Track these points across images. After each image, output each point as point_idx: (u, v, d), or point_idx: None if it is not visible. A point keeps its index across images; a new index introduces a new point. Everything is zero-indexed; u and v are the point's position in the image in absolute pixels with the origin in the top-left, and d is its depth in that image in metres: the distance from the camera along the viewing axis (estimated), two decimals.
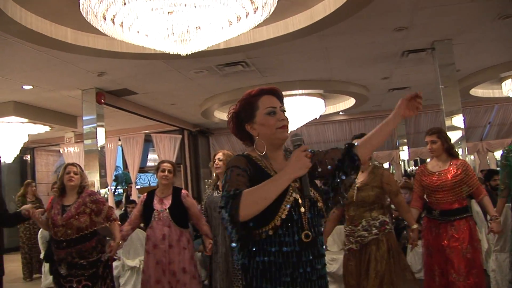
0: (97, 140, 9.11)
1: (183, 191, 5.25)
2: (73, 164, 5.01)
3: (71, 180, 4.85)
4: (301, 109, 10.24)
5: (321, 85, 9.80)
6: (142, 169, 15.50)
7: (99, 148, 9.16)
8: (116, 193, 18.59)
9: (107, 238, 5.21)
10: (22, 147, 11.02)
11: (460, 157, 5.10)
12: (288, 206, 2.19)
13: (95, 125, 9.07)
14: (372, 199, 4.54)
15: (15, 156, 11.04)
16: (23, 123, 10.24)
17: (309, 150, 2.32)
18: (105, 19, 4.44)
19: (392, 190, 4.61)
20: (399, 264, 4.52)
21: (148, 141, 14.08)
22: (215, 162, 5.18)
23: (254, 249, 2.25)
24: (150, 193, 5.37)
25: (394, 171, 16.23)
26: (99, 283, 4.84)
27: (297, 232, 2.21)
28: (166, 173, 5.19)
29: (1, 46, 6.16)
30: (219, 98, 10.19)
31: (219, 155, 5.19)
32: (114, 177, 16.75)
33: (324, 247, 2.39)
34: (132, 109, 10.39)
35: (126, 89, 9.21)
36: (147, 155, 15.67)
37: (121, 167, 20.63)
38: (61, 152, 14.45)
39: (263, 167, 2.32)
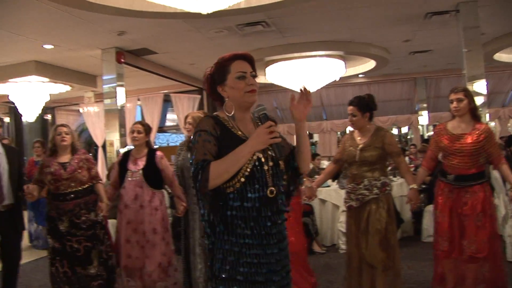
0: (117, 99, 9.19)
1: (158, 153, 5.31)
2: (63, 125, 5.22)
3: (64, 140, 5.08)
4: (321, 70, 10.20)
5: (341, 47, 9.71)
6: (161, 129, 15.60)
7: (119, 108, 9.24)
8: None
9: None
10: (43, 107, 11.17)
11: None
12: (251, 165, 2.37)
13: (115, 84, 9.14)
14: (374, 159, 4.59)
15: (37, 115, 11.19)
16: (44, 82, 10.35)
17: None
18: None
19: (393, 151, 4.63)
20: (392, 224, 4.62)
21: (167, 101, 14.12)
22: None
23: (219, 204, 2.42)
24: (126, 153, 5.48)
25: (412, 136, 16.17)
26: (98, 244, 5.13)
27: (258, 189, 2.38)
28: (135, 134, 5.24)
29: (23, 6, 6.20)
30: None
31: (189, 119, 5.18)
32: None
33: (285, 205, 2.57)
34: (152, 68, 10.40)
35: (146, 49, 9.22)
36: (166, 115, 15.73)
37: None
38: (80, 111, 14.58)
39: (229, 127, 2.47)
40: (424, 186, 7.28)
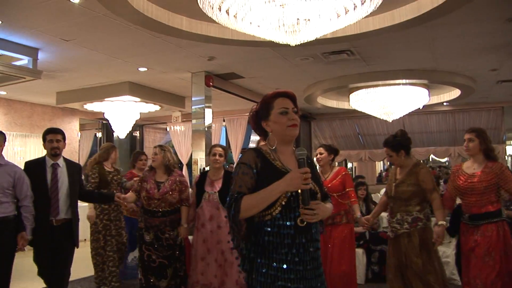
0: (204, 120, 9.52)
1: None
2: (155, 146, 5.66)
3: (153, 160, 5.54)
4: (405, 98, 10.16)
5: (425, 75, 9.65)
6: (244, 150, 15.92)
7: (206, 128, 9.57)
8: None
9: None
10: (133, 124, 11.76)
11: None
12: (288, 195, 2.54)
13: (203, 106, 9.46)
14: (407, 195, 4.80)
15: (127, 132, 11.79)
16: (136, 102, 10.91)
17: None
18: (220, 10, 4.73)
19: (427, 188, 4.77)
20: (430, 260, 4.71)
21: None
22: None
23: (255, 230, 2.61)
24: (203, 175, 5.73)
25: None
26: (173, 263, 5.45)
27: (293, 218, 2.54)
28: (217, 157, 5.51)
29: (124, 33, 6.66)
30: (323, 84, 10.32)
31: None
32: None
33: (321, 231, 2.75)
34: (238, 92, 10.72)
35: (234, 73, 9.54)
36: (250, 136, 16.02)
37: None
38: (167, 130, 15.17)
39: (271, 159, 2.67)
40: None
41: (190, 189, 5.80)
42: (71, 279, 5.48)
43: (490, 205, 4.48)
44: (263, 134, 2.81)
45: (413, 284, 4.68)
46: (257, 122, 2.79)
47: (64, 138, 5.26)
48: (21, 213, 4.86)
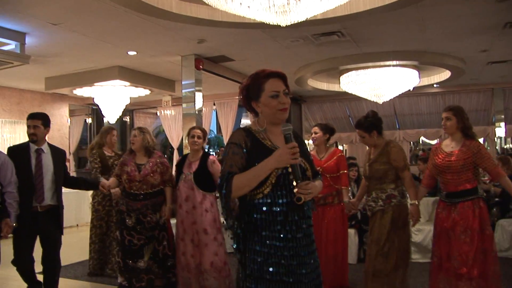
0: (194, 104, 9.51)
1: (211, 157, 5.46)
2: (135, 128, 5.56)
3: (132, 142, 5.44)
4: (395, 80, 10.18)
5: (416, 57, 9.66)
6: None
7: (196, 112, 9.56)
8: None
9: None
10: (123, 109, 11.71)
11: None
12: (279, 173, 2.52)
13: (193, 89, 9.46)
14: (380, 173, 4.85)
15: (117, 117, 11.74)
16: (126, 86, 10.88)
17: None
18: None
19: (398, 166, 4.82)
20: (398, 237, 4.75)
21: (241, 107, 14.39)
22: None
23: (248, 209, 2.59)
24: (183, 156, 5.72)
25: (488, 148, 15.71)
26: (153, 242, 5.36)
27: (285, 195, 2.53)
28: (195, 138, 5.43)
29: (113, 16, 6.62)
30: (313, 66, 10.32)
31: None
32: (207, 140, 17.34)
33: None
34: (228, 75, 10.69)
35: (224, 56, 9.50)
36: (240, 120, 16.00)
37: (215, 131, 21.20)
38: (158, 114, 15.13)
39: (260, 139, 2.65)
40: (496, 199, 7.18)
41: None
42: (64, 264, 5.49)
43: (467, 183, 4.46)
44: (252, 111, 2.77)
45: (370, 258, 4.78)
46: (247, 99, 2.75)
47: (44, 124, 5.04)
48: (5, 199, 4.64)
